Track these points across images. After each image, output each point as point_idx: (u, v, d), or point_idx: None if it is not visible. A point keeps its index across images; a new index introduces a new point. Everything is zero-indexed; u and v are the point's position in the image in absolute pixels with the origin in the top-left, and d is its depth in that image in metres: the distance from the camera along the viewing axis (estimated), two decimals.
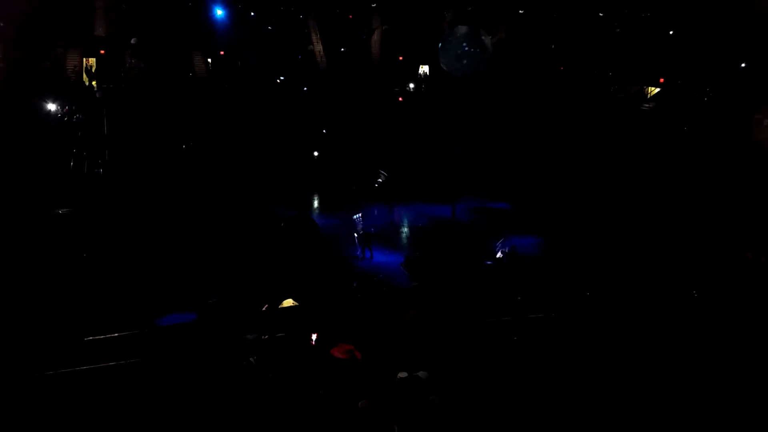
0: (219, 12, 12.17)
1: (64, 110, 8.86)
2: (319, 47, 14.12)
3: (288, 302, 6.01)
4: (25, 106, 8.17)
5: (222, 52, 11.94)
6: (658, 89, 15.70)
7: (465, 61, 9.00)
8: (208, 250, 7.26)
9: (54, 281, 6.29)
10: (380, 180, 9.71)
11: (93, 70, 12.64)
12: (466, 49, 8.84)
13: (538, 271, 7.79)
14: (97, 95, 10.54)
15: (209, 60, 13.77)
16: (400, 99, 12.43)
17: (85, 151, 8.59)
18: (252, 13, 12.34)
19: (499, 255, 8.07)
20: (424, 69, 14.91)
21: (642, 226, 9.12)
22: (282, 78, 12.23)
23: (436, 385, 4.73)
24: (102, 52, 10.73)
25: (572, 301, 6.57)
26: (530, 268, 7.89)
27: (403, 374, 4.67)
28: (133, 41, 12.98)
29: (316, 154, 10.29)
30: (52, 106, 8.71)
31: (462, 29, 8.98)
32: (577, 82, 13.53)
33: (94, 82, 12.69)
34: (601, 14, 14.47)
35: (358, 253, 8.26)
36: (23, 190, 7.60)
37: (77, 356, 4.68)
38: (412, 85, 13.87)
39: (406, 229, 9.38)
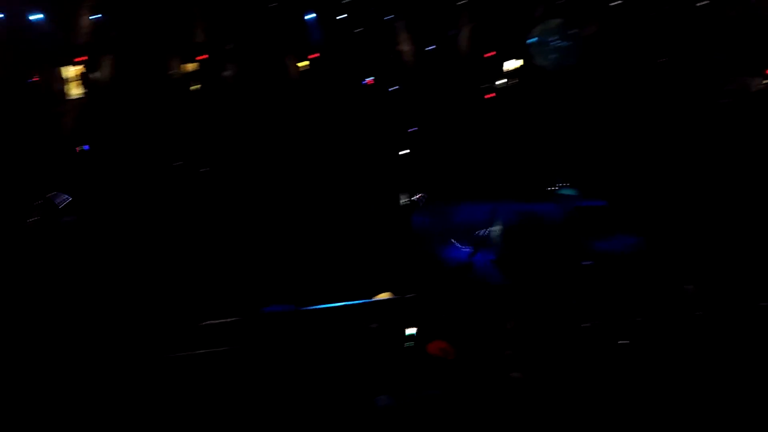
0: (310, 15, 12.53)
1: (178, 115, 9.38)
2: (407, 47, 14.16)
3: (384, 294, 6.05)
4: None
5: (316, 54, 12.24)
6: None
7: (557, 55, 8.85)
8: (307, 243, 7.47)
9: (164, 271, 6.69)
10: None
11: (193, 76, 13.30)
12: (558, 43, 8.69)
13: (632, 272, 7.49)
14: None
15: (302, 63, 14.14)
16: (490, 95, 12.30)
17: (187, 152, 9.08)
18: (343, 15, 12.60)
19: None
20: (514, 64, 14.66)
21: (750, 227, 8.58)
22: (372, 78, 12.43)
23: (532, 387, 4.67)
24: (204, 57, 11.25)
25: (672, 304, 6.28)
26: (625, 269, 7.61)
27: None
28: (228, 47, 13.56)
29: (406, 152, 10.36)
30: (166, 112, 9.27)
31: (553, 23, 8.81)
32: (678, 75, 12.89)
33: (193, 87, 13.36)
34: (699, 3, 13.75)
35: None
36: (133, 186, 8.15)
37: (194, 340, 4.95)
38: (502, 81, 13.68)
39: (500, 227, 9.24)
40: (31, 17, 8.31)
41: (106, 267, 6.48)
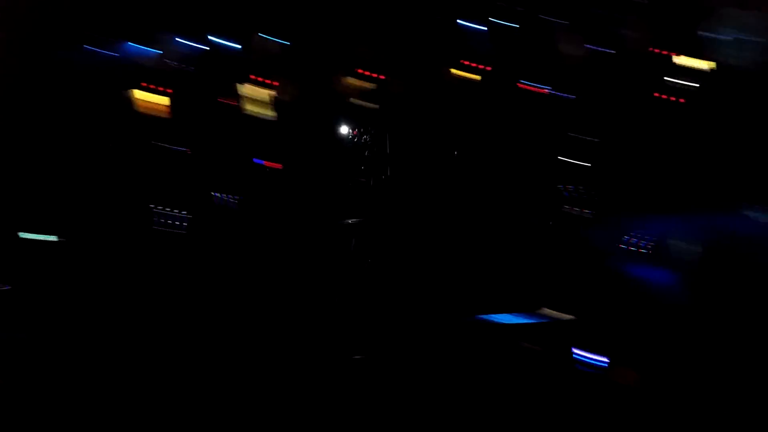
0: (472, 24, 12.56)
1: (353, 132, 10.04)
2: (573, 49, 13.64)
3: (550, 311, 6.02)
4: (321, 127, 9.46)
5: (488, 68, 12.29)
6: None
7: (745, 53, 8.48)
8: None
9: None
10: None
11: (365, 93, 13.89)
12: (746, 39, 8.33)
13: None
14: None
15: (468, 74, 14.22)
16: (679, 100, 11.55)
17: (369, 167, 9.56)
18: (514, 24, 12.50)
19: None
20: (697, 63, 13.64)
21: None
22: (540, 85, 12.21)
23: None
24: (382, 76, 11.76)
25: None
26: None
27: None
28: (391, 61, 13.96)
29: (584, 163, 10.06)
30: (343, 129, 9.94)
31: (739, 15, 8.40)
32: None
33: (366, 104, 13.96)
34: None
35: None
36: (316, 203, 8.78)
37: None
38: (684, 82, 12.79)
39: (687, 243, 8.68)
40: (227, 43, 9.21)
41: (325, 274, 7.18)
